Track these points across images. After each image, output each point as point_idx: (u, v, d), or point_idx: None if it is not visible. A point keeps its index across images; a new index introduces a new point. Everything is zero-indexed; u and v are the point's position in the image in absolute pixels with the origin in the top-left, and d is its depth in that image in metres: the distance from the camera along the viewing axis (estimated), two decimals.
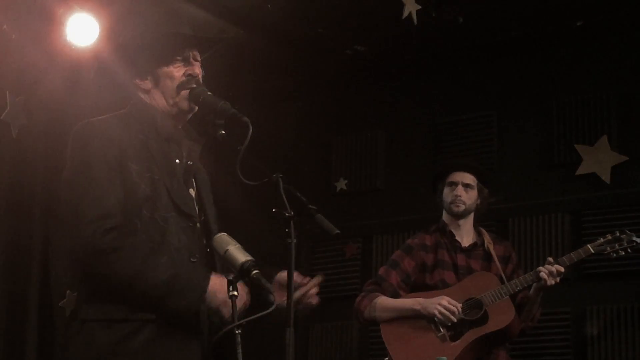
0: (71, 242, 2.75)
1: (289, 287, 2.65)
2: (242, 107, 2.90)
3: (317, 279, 2.93)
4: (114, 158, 2.79)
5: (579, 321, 5.41)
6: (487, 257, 4.58)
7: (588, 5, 5.33)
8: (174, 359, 2.76)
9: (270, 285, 2.57)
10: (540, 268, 4.32)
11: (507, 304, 4.36)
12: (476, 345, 4.34)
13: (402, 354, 4.41)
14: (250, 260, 2.60)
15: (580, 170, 5.57)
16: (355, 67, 6.14)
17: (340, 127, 6.54)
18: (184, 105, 2.94)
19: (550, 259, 4.36)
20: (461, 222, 4.63)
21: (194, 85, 2.93)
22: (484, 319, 4.34)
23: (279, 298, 2.74)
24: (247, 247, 2.70)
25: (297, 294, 2.84)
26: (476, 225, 4.69)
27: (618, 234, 4.43)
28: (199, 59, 3.00)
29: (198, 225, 2.90)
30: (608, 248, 4.42)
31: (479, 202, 4.64)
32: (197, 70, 2.97)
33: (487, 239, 4.62)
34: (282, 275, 2.85)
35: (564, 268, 4.32)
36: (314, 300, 2.93)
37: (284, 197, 2.71)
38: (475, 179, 4.62)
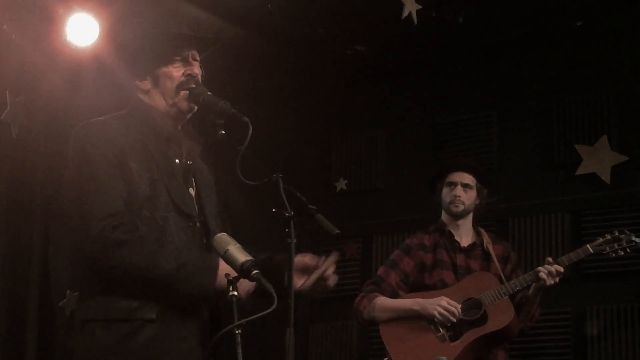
0: (80, 241, 2.75)
1: (289, 287, 2.65)
2: (242, 107, 2.90)
3: (332, 258, 2.89)
4: (115, 157, 2.80)
5: (579, 321, 5.41)
6: (486, 257, 4.58)
7: (588, 5, 5.32)
8: (175, 359, 2.76)
9: (270, 286, 2.57)
10: (540, 268, 4.32)
11: (506, 304, 4.36)
12: (476, 345, 4.34)
13: (402, 354, 4.41)
14: (250, 260, 2.60)
15: (580, 170, 5.57)
16: (355, 67, 6.14)
17: (340, 127, 6.54)
18: (184, 105, 2.95)
19: (550, 259, 4.36)
20: (460, 222, 4.63)
21: (194, 85, 2.93)
22: (483, 319, 4.35)
23: (298, 282, 2.78)
24: (247, 247, 2.70)
25: (313, 277, 2.85)
26: (475, 225, 4.69)
27: (617, 234, 4.43)
28: (197, 58, 3.00)
29: (198, 224, 2.91)
30: (607, 248, 4.42)
31: (477, 202, 4.64)
32: (196, 70, 2.97)
33: (486, 238, 4.62)
34: (299, 259, 2.84)
35: (563, 268, 4.33)
36: (332, 281, 2.91)
37: (284, 197, 2.71)
38: (474, 179, 4.62)
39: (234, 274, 2.64)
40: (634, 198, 5.39)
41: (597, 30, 5.56)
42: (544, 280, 4.28)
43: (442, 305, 4.34)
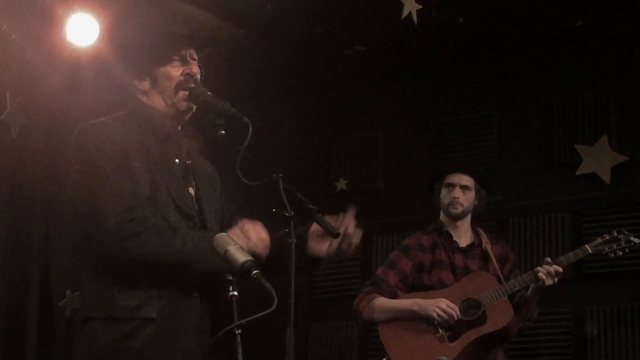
0: (96, 238, 2.76)
1: (290, 287, 2.66)
2: (242, 107, 2.90)
3: (350, 213, 2.90)
4: (118, 156, 2.81)
5: (578, 321, 5.41)
6: (485, 257, 4.58)
7: (588, 5, 5.33)
8: (174, 358, 2.77)
9: (270, 286, 2.57)
10: (539, 268, 4.32)
11: (505, 304, 4.36)
12: (475, 345, 4.34)
13: (401, 354, 4.41)
14: (250, 260, 2.60)
15: (580, 170, 5.58)
16: (355, 67, 6.14)
17: (340, 127, 6.54)
18: (182, 106, 2.95)
19: (548, 259, 4.36)
20: (459, 222, 4.63)
21: (192, 85, 2.94)
22: (482, 319, 4.34)
23: (323, 247, 2.85)
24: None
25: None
26: (474, 225, 4.69)
27: (616, 234, 4.43)
28: (195, 57, 3.00)
29: (198, 224, 2.91)
30: (606, 248, 4.42)
31: (476, 202, 4.64)
32: (195, 69, 2.98)
33: (485, 239, 4.62)
34: (315, 227, 2.89)
35: (562, 268, 4.32)
36: (355, 238, 2.92)
37: (284, 197, 2.71)
38: (472, 181, 4.62)
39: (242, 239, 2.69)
40: (634, 198, 5.40)
41: (597, 30, 5.56)
42: (543, 280, 4.28)
43: (441, 307, 4.34)
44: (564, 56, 5.77)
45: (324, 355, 6.20)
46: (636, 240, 4.41)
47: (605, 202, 5.48)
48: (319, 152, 6.55)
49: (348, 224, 2.88)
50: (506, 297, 4.36)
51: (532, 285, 4.35)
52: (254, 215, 2.90)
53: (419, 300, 4.43)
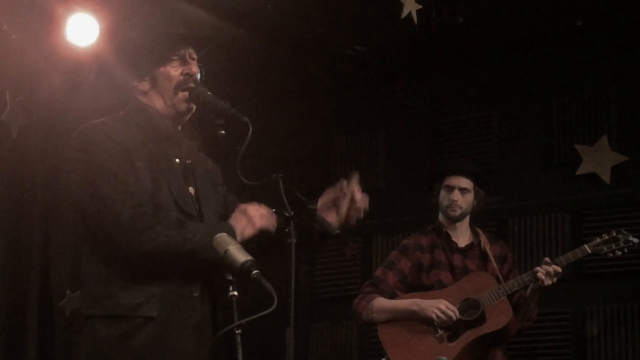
0: (108, 233, 2.76)
1: (290, 287, 2.65)
2: (242, 107, 2.90)
3: (354, 179, 2.91)
4: (122, 155, 2.81)
5: (578, 321, 5.41)
6: (484, 257, 4.58)
7: (588, 5, 5.32)
8: (174, 357, 2.77)
9: (271, 286, 2.57)
10: (538, 268, 4.32)
11: (504, 304, 4.36)
12: (474, 345, 4.34)
13: (400, 355, 4.41)
14: (250, 260, 2.60)
15: (580, 170, 5.58)
16: (355, 67, 6.14)
17: (340, 127, 6.54)
18: (182, 106, 2.94)
19: (547, 259, 4.36)
20: (457, 223, 4.63)
21: (192, 85, 2.93)
22: (481, 319, 4.34)
23: (331, 217, 2.88)
24: (247, 247, 2.70)
25: (344, 206, 2.92)
26: (472, 225, 4.69)
27: (615, 234, 4.43)
28: (195, 57, 3.00)
29: None
30: (605, 248, 4.42)
31: (475, 203, 4.64)
32: (194, 68, 2.97)
33: (484, 239, 4.62)
34: (323, 197, 2.92)
35: (561, 268, 4.32)
36: (362, 204, 2.94)
37: (284, 197, 2.71)
38: (471, 183, 4.61)
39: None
40: (634, 198, 5.40)
41: (597, 30, 5.56)
42: (542, 280, 4.28)
43: (440, 308, 4.34)
44: (564, 56, 5.77)
45: (323, 355, 6.20)
46: (635, 240, 4.41)
47: (605, 202, 5.47)
48: (319, 152, 6.55)
49: (353, 190, 2.89)
50: (505, 297, 4.36)
51: (531, 285, 4.35)
52: None
53: (418, 301, 4.43)
